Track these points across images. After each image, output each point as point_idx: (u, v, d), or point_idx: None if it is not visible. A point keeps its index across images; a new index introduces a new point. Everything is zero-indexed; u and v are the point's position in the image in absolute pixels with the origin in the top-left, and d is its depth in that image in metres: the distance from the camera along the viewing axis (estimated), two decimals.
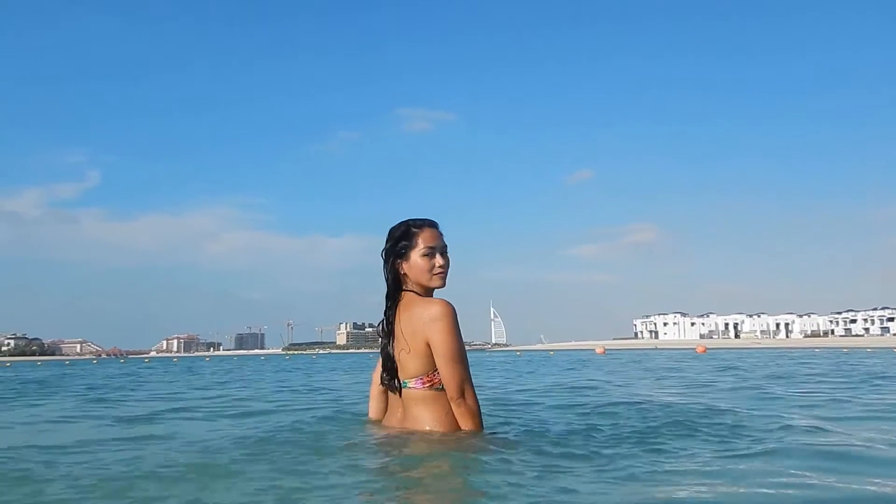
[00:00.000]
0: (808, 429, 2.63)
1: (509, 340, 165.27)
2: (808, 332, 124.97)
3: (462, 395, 2.18)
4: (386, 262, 2.33)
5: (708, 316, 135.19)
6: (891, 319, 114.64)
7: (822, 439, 2.42)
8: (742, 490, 1.70)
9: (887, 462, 2.12)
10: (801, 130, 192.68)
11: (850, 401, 4.03)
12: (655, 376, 7.73)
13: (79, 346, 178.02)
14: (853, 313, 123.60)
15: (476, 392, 2.25)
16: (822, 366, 10.47)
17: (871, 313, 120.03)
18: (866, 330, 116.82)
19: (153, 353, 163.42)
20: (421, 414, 2.22)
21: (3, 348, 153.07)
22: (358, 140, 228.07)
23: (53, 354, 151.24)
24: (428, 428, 2.20)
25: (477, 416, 2.22)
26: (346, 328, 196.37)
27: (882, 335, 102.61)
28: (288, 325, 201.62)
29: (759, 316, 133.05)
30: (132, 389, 6.87)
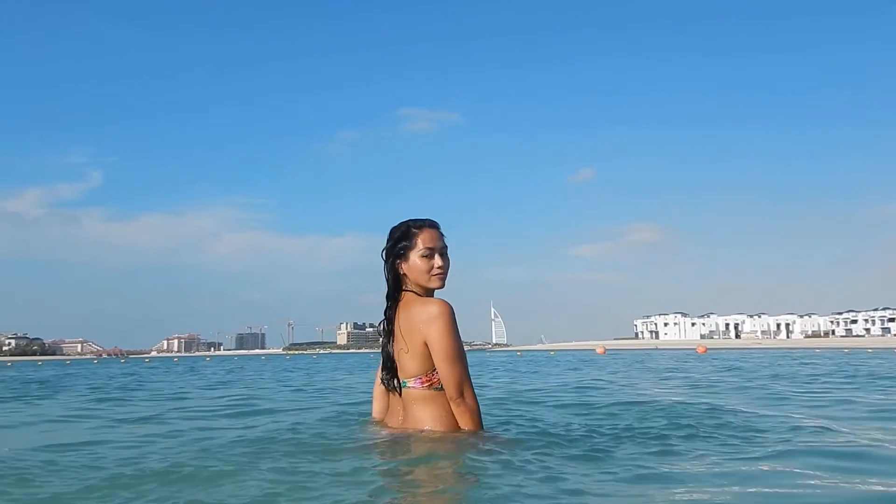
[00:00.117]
0: (817, 429, 2.61)
1: (510, 340, 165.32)
2: (809, 333, 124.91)
3: (461, 394, 2.17)
4: (386, 262, 2.33)
5: (708, 316, 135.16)
6: (892, 320, 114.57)
7: (831, 439, 2.40)
8: (752, 490, 1.68)
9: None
10: (802, 130, 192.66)
11: (856, 401, 4.02)
12: (658, 376, 7.72)
13: (80, 345, 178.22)
14: (854, 314, 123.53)
15: (476, 392, 2.23)
16: (825, 366, 10.46)
17: (871, 314, 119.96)
18: (867, 330, 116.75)
19: (154, 353, 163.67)
20: (421, 413, 2.21)
21: (5, 348, 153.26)
22: (359, 140, 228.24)
23: (54, 354, 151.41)
24: (428, 427, 2.19)
25: (476, 415, 2.21)
26: (346, 328, 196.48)
27: (883, 336, 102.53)
28: (288, 325, 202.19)
29: (759, 316, 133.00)
30: (134, 389, 6.87)
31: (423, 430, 2.19)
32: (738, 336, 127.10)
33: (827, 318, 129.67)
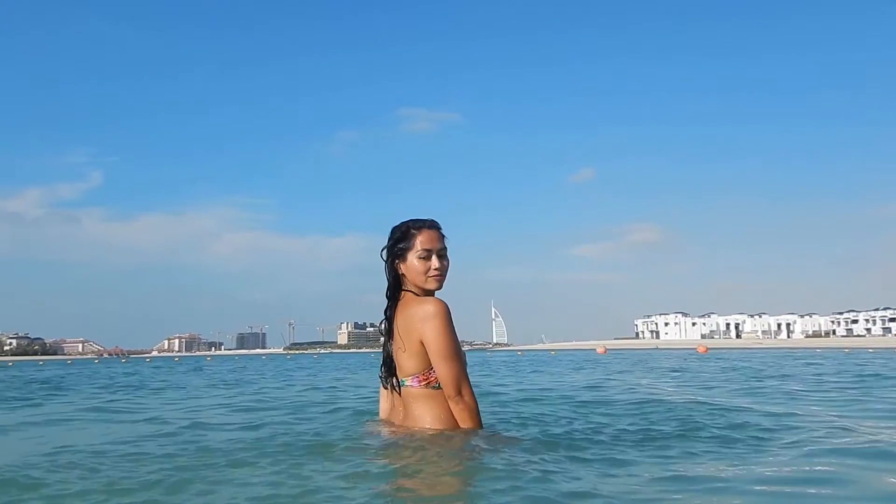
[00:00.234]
0: (838, 429, 2.57)
1: (510, 340, 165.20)
2: (810, 333, 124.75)
3: (459, 392, 2.19)
4: (386, 261, 2.35)
5: (709, 316, 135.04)
6: (893, 320, 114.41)
7: (853, 439, 2.36)
8: (763, 489, 1.67)
9: None
10: (802, 130, 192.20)
11: (868, 401, 3.98)
12: (660, 376, 7.69)
13: (80, 345, 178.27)
14: (855, 314, 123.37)
15: (474, 390, 2.25)
16: (828, 365, 10.44)
17: (872, 314, 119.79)
18: (868, 330, 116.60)
19: (154, 353, 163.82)
20: (420, 412, 2.24)
21: (6, 348, 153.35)
22: (359, 140, 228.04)
23: (55, 354, 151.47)
24: (427, 426, 2.22)
25: (475, 413, 2.22)
26: (347, 328, 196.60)
27: (884, 335, 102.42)
28: (289, 324, 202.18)
29: (760, 316, 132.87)
30: (135, 389, 6.86)
31: (422, 429, 2.22)
32: (738, 336, 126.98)
33: (828, 318, 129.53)
